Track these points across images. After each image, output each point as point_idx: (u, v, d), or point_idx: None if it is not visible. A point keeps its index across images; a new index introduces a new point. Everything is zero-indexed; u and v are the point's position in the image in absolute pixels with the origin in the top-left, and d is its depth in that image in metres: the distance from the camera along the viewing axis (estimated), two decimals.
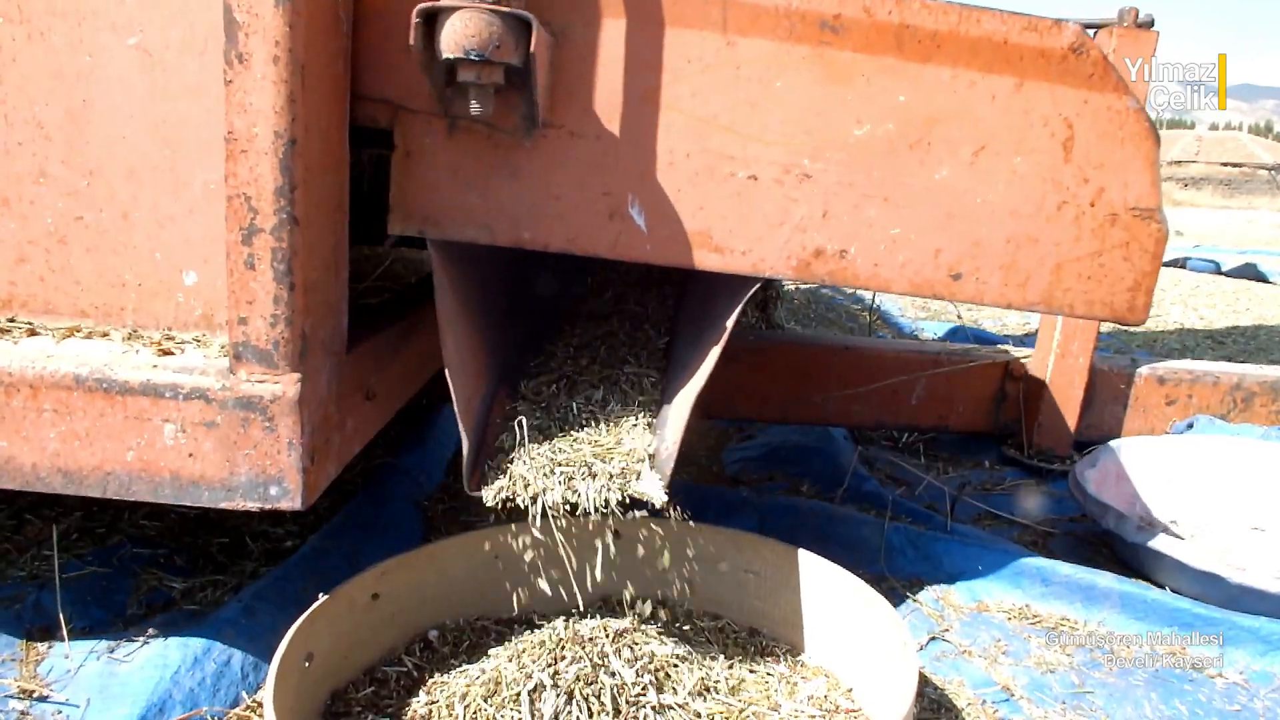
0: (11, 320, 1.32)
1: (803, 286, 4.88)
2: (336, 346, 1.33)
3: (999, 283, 1.43)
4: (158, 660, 1.33)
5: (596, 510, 1.28)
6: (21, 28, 1.24)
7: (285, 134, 1.11)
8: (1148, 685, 1.53)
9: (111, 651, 1.38)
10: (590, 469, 1.33)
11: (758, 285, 1.42)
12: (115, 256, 1.29)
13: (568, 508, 1.29)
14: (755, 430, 2.74)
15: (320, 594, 1.29)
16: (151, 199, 1.27)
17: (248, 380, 1.18)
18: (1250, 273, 7.33)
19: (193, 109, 1.24)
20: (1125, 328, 4.66)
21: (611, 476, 1.32)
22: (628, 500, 1.31)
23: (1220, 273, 7.58)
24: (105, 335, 1.30)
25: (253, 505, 1.21)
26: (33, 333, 1.29)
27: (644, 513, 1.32)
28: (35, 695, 1.29)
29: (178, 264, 1.29)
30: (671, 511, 1.33)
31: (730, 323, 1.37)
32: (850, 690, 1.40)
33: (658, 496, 1.29)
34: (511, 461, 1.35)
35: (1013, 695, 1.50)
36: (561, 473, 1.32)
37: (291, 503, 1.20)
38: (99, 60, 1.24)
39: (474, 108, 1.22)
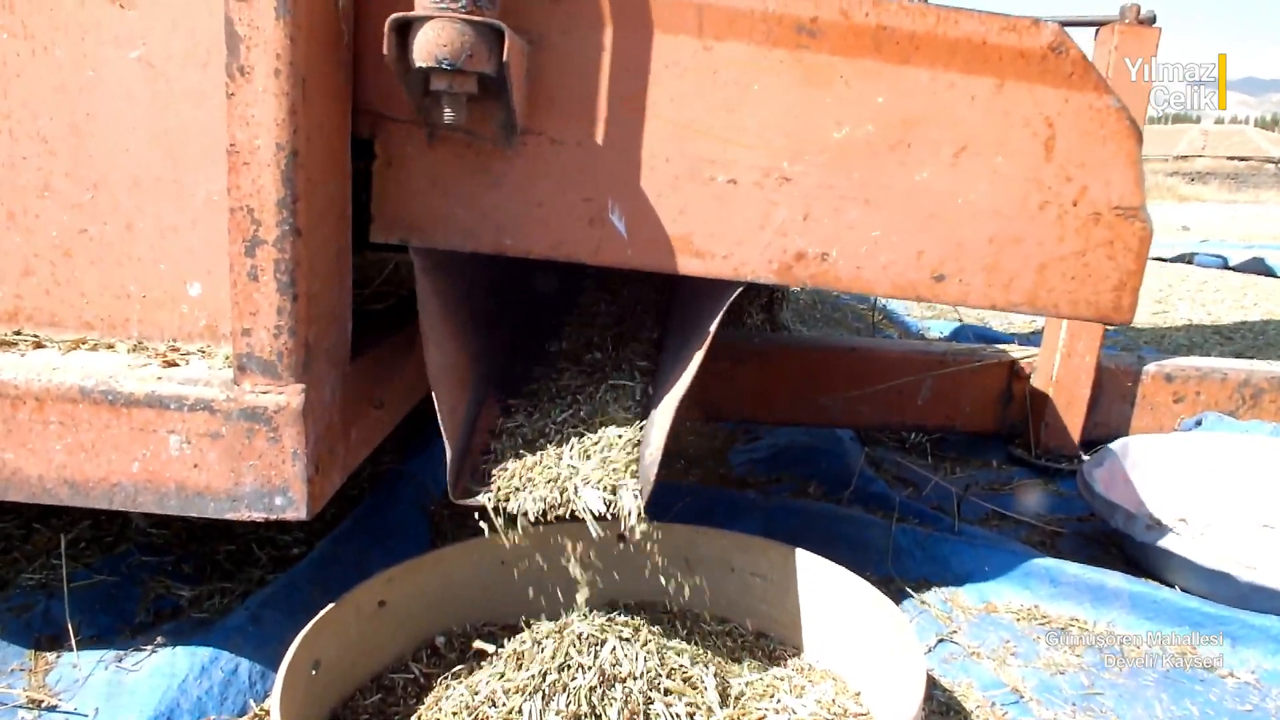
0: (18, 333, 1.32)
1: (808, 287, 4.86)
2: (340, 355, 1.34)
3: (983, 284, 1.42)
4: (165, 669, 1.33)
5: (580, 517, 1.29)
6: (25, 43, 1.25)
7: (287, 146, 1.12)
8: (1158, 686, 1.53)
9: (119, 660, 1.39)
10: (574, 477, 1.33)
11: (740, 290, 1.42)
12: (120, 268, 1.30)
13: (553, 515, 1.30)
14: (761, 432, 2.74)
15: (328, 601, 1.30)
16: (155, 211, 1.28)
17: (252, 391, 1.18)
18: (1258, 267, 7.29)
19: (195, 121, 1.25)
20: (1130, 325, 4.64)
21: (597, 483, 1.32)
22: (613, 508, 1.31)
23: (1228, 268, 7.54)
24: (110, 347, 1.30)
25: (258, 516, 1.21)
26: (39, 345, 1.30)
27: (640, 519, 1.33)
28: (44, 704, 1.30)
29: (182, 275, 1.29)
30: (640, 520, 1.33)
31: (713, 327, 1.36)
32: (858, 694, 1.40)
33: (633, 504, 1.30)
34: (497, 470, 1.36)
35: (1022, 697, 1.49)
36: (545, 481, 1.32)
37: (296, 513, 1.21)
38: (102, 74, 1.25)
39: (448, 116, 1.22)
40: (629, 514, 1.30)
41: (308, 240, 1.17)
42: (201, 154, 1.26)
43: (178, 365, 1.25)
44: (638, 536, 1.34)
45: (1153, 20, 2.27)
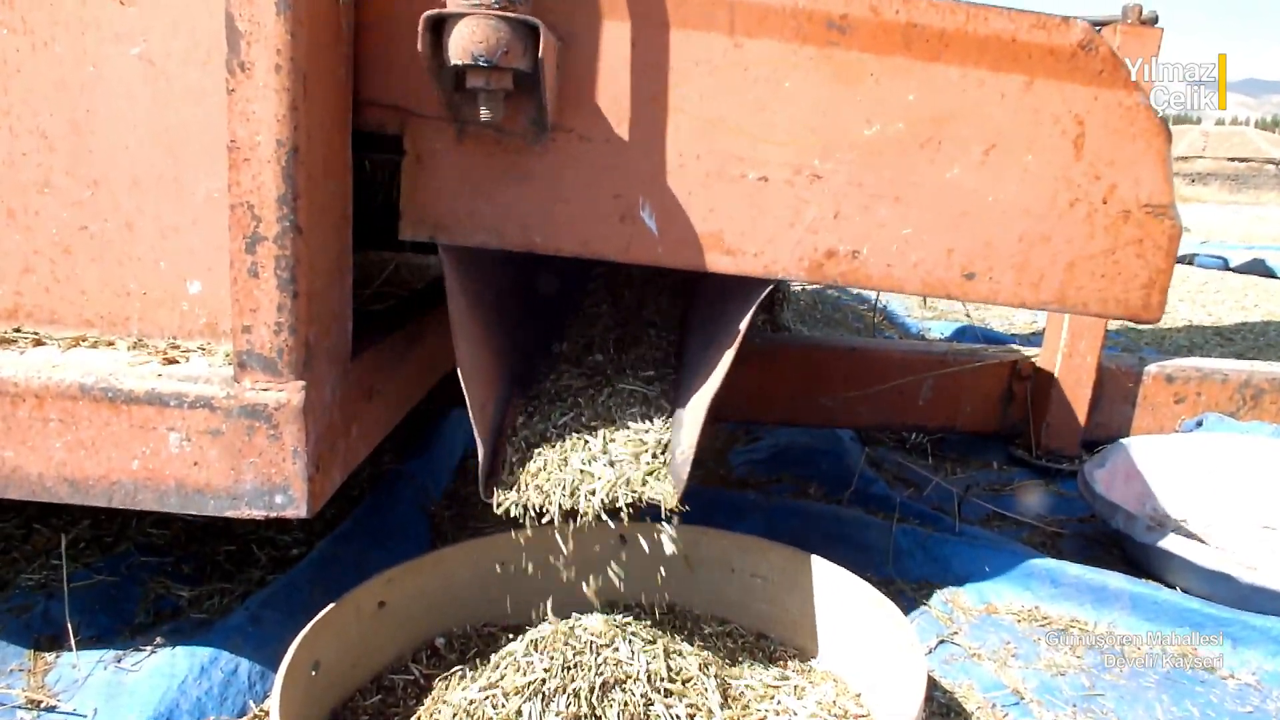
0: (17, 330, 1.32)
1: (809, 288, 4.87)
2: (341, 353, 1.33)
3: (1012, 282, 1.42)
4: (165, 669, 1.33)
5: (612, 515, 1.29)
6: (25, 38, 1.24)
7: (288, 142, 1.11)
8: (1159, 687, 1.53)
9: (119, 660, 1.38)
10: (606, 474, 1.32)
11: (770, 287, 1.42)
12: (120, 266, 1.29)
13: (583, 514, 1.29)
14: (762, 432, 2.74)
15: (328, 602, 1.29)
16: (155, 208, 1.27)
17: (252, 389, 1.18)
18: (1258, 269, 7.29)
19: (195, 118, 1.24)
20: (1134, 325, 4.64)
21: (628, 482, 1.32)
22: (643, 505, 1.31)
23: (1228, 269, 7.54)
24: (110, 345, 1.30)
25: (258, 514, 1.21)
26: (38, 343, 1.29)
27: (649, 518, 1.33)
28: (43, 705, 1.30)
29: (182, 273, 1.29)
30: (676, 516, 1.33)
31: (744, 325, 1.36)
32: (859, 695, 1.39)
33: (672, 500, 1.30)
34: (525, 468, 1.35)
35: (1023, 698, 1.49)
36: (576, 479, 1.32)
37: (296, 511, 1.20)
38: (102, 70, 1.24)
39: (483, 113, 1.21)
40: (663, 516, 1.30)
41: (308, 237, 1.17)
42: (201, 152, 1.25)
43: (178, 363, 1.24)
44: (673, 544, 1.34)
45: (1155, 20, 2.27)
